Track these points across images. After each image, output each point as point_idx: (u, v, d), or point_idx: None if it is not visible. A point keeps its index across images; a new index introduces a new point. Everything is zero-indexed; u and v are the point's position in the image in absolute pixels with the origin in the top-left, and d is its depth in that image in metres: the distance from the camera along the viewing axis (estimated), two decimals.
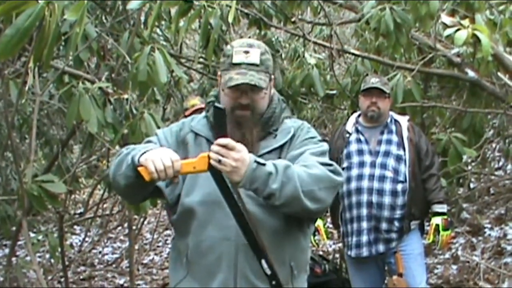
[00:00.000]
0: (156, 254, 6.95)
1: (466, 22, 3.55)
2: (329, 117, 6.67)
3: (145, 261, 6.67)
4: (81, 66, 3.60)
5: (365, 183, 3.40)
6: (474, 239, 5.69)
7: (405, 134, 3.51)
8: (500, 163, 6.94)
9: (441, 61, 5.13)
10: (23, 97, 3.36)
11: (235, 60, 1.93)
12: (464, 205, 6.13)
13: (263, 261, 1.84)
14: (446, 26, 3.71)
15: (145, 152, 1.79)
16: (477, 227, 5.93)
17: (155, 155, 1.75)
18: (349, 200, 3.45)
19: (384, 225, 3.40)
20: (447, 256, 5.59)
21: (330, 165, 1.91)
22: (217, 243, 1.91)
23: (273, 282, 1.87)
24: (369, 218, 3.40)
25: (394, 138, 3.50)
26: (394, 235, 3.43)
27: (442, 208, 3.54)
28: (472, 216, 6.10)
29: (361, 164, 3.45)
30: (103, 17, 4.20)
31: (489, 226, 5.99)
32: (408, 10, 3.97)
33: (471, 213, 6.18)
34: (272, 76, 2.04)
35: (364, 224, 3.41)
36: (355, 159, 3.48)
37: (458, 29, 3.50)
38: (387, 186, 3.38)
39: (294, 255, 1.99)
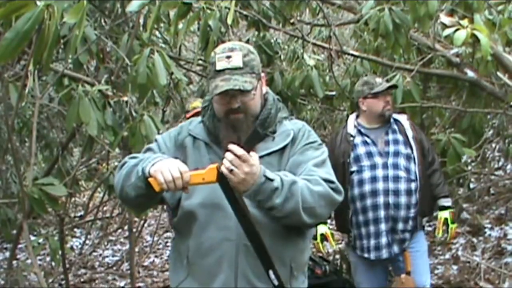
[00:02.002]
0: (156, 257, 6.94)
1: (465, 22, 3.54)
2: (328, 118, 6.65)
3: (145, 264, 6.66)
4: (81, 68, 3.61)
5: (380, 185, 3.38)
6: (474, 239, 5.68)
7: (409, 133, 3.51)
8: (500, 163, 6.94)
9: (440, 61, 5.12)
10: (23, 100, 3.36)
11: (218, 67, 1.94)
12: (464, 205, 6.13)
13: (270, 272, 1.85)
14: (445, 26, 3.70)
15: (155, 163, 1.81)
16: (477, 227, 5.93)
17: (164, 166, 1.77)
18: (363, 203, 3.41)
19: (400, 225, 3.39)
20: (447, 256, 5.59)
21: (332, 182, 1.94)
22: (218, 244, 1.92)
23: None
24: (387, 219, 3.38)
25: (400, 137, 3.50)
26: (407, 235, 3.43)
27: (448, 201, 3.58)
28: (472, 216, 6.10)
29: (373, 167, 3.42)
30: (102, 20, 4.21)
31: (489, 226, 5.99)
32: (407, 10, 3.96)
33: (471, 213, 6.17)
34: (262, 74, 2.04)
35: (383, 226, 3.39)
36: (366, 162, 3.44)
37: (457, 29, 3.49)
38: (402, 186, 3.38)
39: (294, 256, 2.00)
